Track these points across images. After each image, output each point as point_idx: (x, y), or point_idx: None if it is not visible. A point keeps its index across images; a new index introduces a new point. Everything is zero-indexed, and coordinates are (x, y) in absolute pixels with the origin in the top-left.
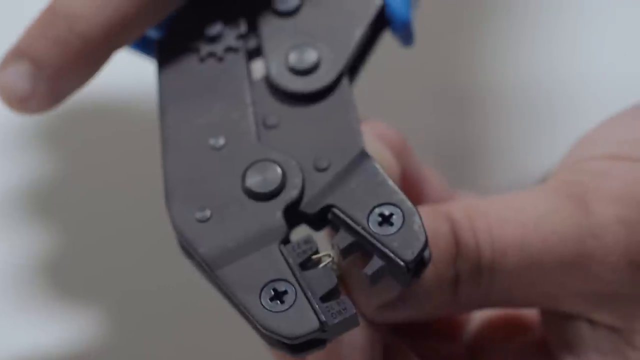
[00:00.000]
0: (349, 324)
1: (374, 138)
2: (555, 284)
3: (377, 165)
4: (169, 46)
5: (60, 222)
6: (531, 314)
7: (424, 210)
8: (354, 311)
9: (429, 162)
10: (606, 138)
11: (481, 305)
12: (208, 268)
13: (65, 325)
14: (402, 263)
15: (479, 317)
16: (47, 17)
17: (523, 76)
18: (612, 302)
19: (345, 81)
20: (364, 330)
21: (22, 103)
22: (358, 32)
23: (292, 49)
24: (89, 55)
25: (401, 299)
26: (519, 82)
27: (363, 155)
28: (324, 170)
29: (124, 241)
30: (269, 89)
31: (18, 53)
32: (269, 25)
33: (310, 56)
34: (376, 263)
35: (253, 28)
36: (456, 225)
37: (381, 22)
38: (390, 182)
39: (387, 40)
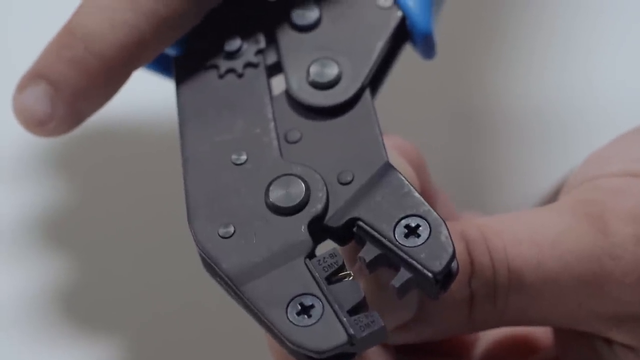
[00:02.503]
0: (377, 337)
1: (395, 152)
2: (571, 304)
3: (402, 177)
4: (186, 63)
5: (75, 250)
6: (542, 333)
7: None
8: (382, 324)
9: (438, 181)
10: (620, 155)
11: (496, 325)
12: (232, 284)
13: (81, 354)
14: (430, 275)
15: (488, 336)
16: (64, 38)
17: (534, 96)
18: (629, 321)
19: (367, 94)
20: (380, 352)
21: (41, 126)
22: (379, 45)
23: (312, 63)
24: (107, 76)
25: (417, 320)
26: (530, 103)
27: (387, 167)
28: (348, 183)
29: (140, 266)
30: (290, 104)
31: (35, 75)
32: (288, 40)
33: (331, 70)
34: (404, 275)
35: (272, 42)
36: (471, 245)
37: (402, 35)
38: (416, 194)
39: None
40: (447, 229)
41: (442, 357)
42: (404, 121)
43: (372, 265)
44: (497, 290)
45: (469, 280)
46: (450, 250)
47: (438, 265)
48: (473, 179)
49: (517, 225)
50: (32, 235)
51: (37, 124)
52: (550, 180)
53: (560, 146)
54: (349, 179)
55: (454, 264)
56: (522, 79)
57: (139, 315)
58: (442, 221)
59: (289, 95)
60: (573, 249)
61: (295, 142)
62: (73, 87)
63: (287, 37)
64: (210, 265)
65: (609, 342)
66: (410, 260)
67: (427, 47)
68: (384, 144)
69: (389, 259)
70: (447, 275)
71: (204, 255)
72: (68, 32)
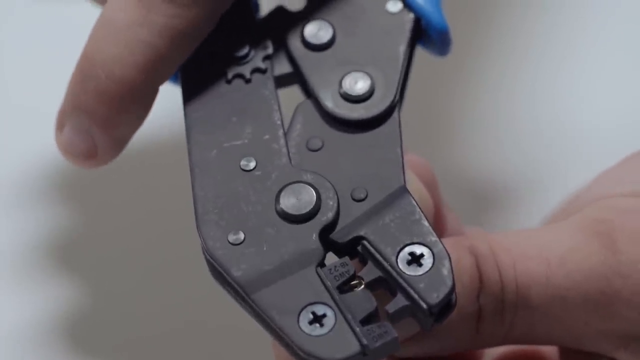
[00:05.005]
0: (390, 347)
1: (413, 175)
2: (579, 322)
3: (415, 203)
4: (193, 70)
5: (81, 275)
6: (548, 351)
7: (447, 242)
8: (396, 335)
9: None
10: (631, 176)
11: (502, 342)
12: (243, 292)
13: None
14: (425, 306)
15: (493, 352)
16: (84, 68)
17: (533, 117)
18: (637, 341)
19: (396, 113)
20: None
21: (88, 160)
22: (402, 50)
23: (344, 77)
24: (134, 98)
25: (424, 333)
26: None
27: (402, 191)
28: (360, 200)
29: (147, 291)
30: (317, 111)
31: (68, 111)
32: (308, 61)
33: (364, 82)
34: (399, 302)
35: (280, 50)
36: (480, 260)
37: (417, 36)
38: (426, 222)
39: None
40: (451, 264)
41: None
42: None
43: (371, 286)
44: (505, 306)
45: (478, 296)
46: (450, 284)
47: (435, 298)
48: (477, 196)
49: (526, 242)
50: (36, 260)
51: (84, 159)
52: (556, 200)
53: (567, 165)
54: (362, 196)
55: (452, 298)
56: (531, 96)
57: (147, 338)
58: (447, 254)
59: (317, 103)
60: (582, 266)
61: (315, 151)
62: (106, 117)
63: (305, 58)
64: (219, 273)
65: None
66: (408, 288)
67: (443, 44)
68: (404, 168)
69: (388, 283)
70: (443, 309)
71: (213, 263)
72: (87, 61)
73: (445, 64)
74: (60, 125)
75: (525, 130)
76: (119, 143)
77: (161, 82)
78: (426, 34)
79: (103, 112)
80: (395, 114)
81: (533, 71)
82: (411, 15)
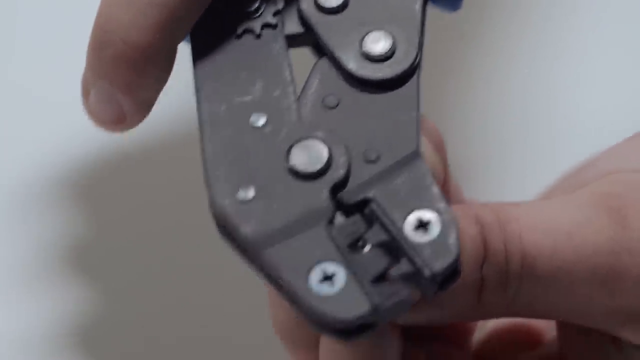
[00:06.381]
0: (402, 307)
1: (424, 137)
2: (584, 297)
3: (427, 168)
4: (202, 26)
5: (92, 277)
6: (544, 327)
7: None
8: (408, 293)
9: None
10: (638, 152)
11: (504, 314)
12: (252, 249)
13: None
14: (428, 273)
15: (488, 324)
16: (99, 37)
17: (523, 96)
18: None
19: (417, 72)
20: (387, 332)
21: (118, 124)
22: (417, 8)
23: (363, 38)
24: (154, 60)
25: (424, 302)
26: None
27: (415, 156)
28: (372, 162)
29: (158, 293)
30: (336, 70)
31: (91, 80)
32: (323, 24)
33: (386, 41)
34: (403, 267)
35: (289, 9)
36: (485, 229)
37: None
38: (436, 189)
39: None
40: (458, 232)
41: (438, 341)
42: None
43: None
44: (509, 277)
45: (481, 265)
46: (455, 253)
47: (439, 266)
48: (472, 174)
49: (533, 213)
50: (45, 267)
51: (112, 123)
52: (552, 178)
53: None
54: (374, 157)
55: (457, 266)
56: (525, 79)
57: (156, 341)
58: (455, 223)
59: (335, 63)
60: (590, 240)
61: (331, 108)
62: (128, 82)
63: (320, 21)
64: (227, 230)
65: (618, 341)
66: (412, 254)
67: None
68: (419, 132)
69: (393, 248)
70: (447, 277)
71: (220, 219)
72: (101, 30)
73: (436, 55)
74: (85, 93)
75: (516, 122)
76: (145, 105)
77: (179, 41)
78: None
79: (124, 78)
80: (415, 77)
81: (526, 63)
82: None
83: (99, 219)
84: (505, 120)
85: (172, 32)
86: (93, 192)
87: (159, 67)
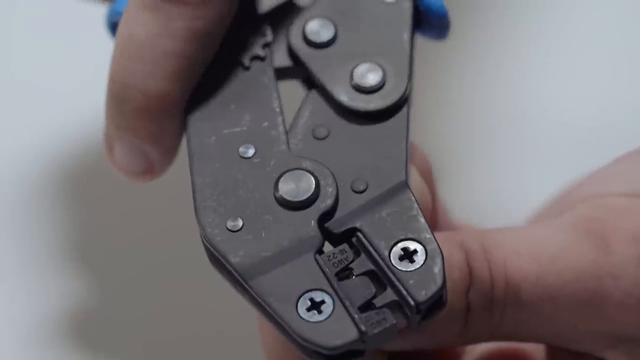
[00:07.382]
0: (389, 334)
1: (412, 166)
2: (568, 322)
3: (414, 199)
4: None
5: (91, 272)
6: (532, 349)
7: (438, 237)
8: (394, 321)
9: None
10: (625, 175)
11: (490, 338)
12: (241, 278)
13: None
14: (412, 302)
15: (478, 349)
16: (118, 93)
17: (519, 110)
18: (626, 342)
19: (406, 108)
20: (375, 358)
21: (146, 174)
22: (406, 38)
23: (353, 70)
24: (175, 107)
25: (411, 328)
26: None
27: (402, 186)
28: (360, 192)
29: (156, 290)
30: (326, 102)
31: (114, 135)
32: (313, 58)
33: (376, 73)
34: (388, 296)
35: (279, 38)
36: (470, 256)
37: (416, 21)
38: (423, 219)
39: None
40: (443, 262)
41: None
42: None
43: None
44: (493, 303)
45: (467, 292)
46: (440, 283)
47: (423, 295)
48: (467, 192)
49: (517, 239)
50: (44, 256)
51: (141, 175)
52: (544, 196)
53: (557, 162)
54: (362, 188)
55: (443, 296)
56: (522, 93)
57: (153, 336)
58: (440, 253)
59: (326, 94)
60: (573, 266)
61: (320, 139)
62: (151, 132)
63: (309, 55)
64: (218, 260)
65: None
66: (397, 283)
67: (442, 27)
68: (407, 163)
69: (379, 277)
70: (432, 307)
71: (211, 249)
72: (119, 85)
73: (431, 60)
74: (109, 147)
75: (510, 126)
76: (172, 151)
77: (194, 82)
78: (425, 19)
79: (148, 129)
80: (405, 108)
81: (519, 67)
82: (408, 3)
83: (99, 218)
84: (494, 121)
85: (188, 79)
86: (93, 192)
87: (179, 113)
